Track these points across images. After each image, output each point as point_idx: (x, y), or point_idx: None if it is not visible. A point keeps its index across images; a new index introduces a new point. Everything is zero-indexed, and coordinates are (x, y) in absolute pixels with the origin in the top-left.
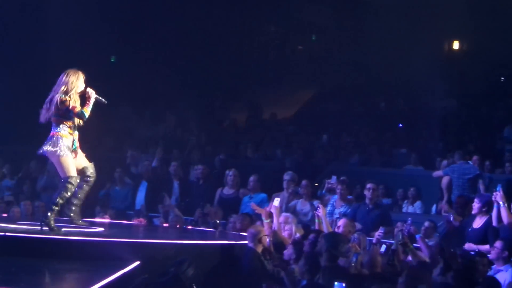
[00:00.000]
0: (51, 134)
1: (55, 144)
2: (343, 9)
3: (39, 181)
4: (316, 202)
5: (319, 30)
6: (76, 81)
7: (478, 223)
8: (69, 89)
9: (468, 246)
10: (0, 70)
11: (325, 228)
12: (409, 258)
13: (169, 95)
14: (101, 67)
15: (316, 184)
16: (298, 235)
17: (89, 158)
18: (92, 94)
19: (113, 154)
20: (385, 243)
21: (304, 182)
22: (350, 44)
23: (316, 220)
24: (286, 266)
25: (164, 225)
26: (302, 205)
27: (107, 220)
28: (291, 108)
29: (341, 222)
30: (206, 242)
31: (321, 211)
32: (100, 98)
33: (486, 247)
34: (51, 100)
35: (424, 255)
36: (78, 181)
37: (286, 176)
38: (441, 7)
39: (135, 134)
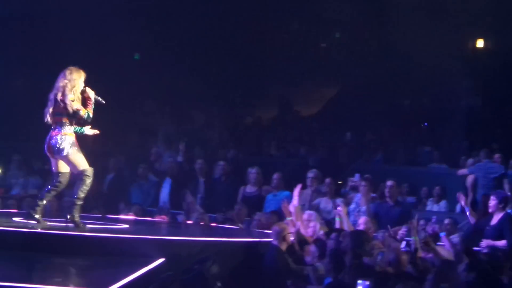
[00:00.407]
0: (54, 133)
1: (60, 145)
2: (367, 6)
3: None
4: (339, 200)
5: (342, 28)
6: (78, 79)
7: (495, 219)
8: (74, 88)
9: (485, 242)
10: (22, 68)
11: (346, 227)
12: (431, 256)
13: (193, 92)
14: (125, 64)
15: (340, 182)
16: (322, 233)
17: (113, 154)
18: (92, 94)
19: (137, 150)
20: (406, 241)
21: (327, 180)
22: (374, 42)
23: (337, 219)
24: (310, 263)
25: (188, 222)
26: (325, 203)
27: (131, 217)
28: (315, 105)
29: (362, 220)
30: (230, 239)
31: (342, 210)
32: (99, 98)
33: (503, 242)
34: (56, 98)
35: (448, 254)
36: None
37: (310, 174)
38: (466, 4)
39: (159, 130)
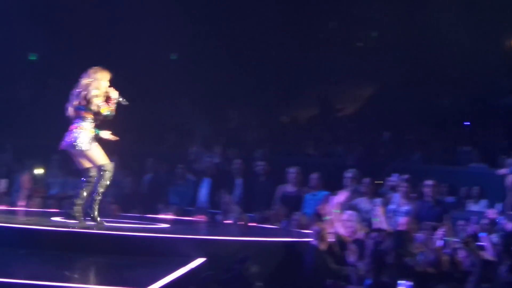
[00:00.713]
0: (72, 127)
1: (77, 139)
2: (404, 4)
3: None
4: (378, 200)
5: (379, 27)
6: (103, 79)
7: None
8: (99, 86)
9: None
10: (58, 69)
11: (385, 227)
12: (470, 256)
13: (230, 91)
14: (162, 64)
15: (378, 182)
16: (361, 233)
17: (151, 154)
18: (115, 94)
19: (174, 150)
20: (445, 241)
21: (366, 180)
22: (411, 41)
23: (375, 219)
24: (350, 264)
25: (227, 222)
26: (364, 203)
27: (170, 217)
28: (352, 105)
29: (403, 220)
30: (269, 239)
31: (379, 210)
32: (122, 99)
33: None
34: (79, 93)
35: (489, 254)
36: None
37: (348, 174)
38: (505, 1)
39: (196, 131)
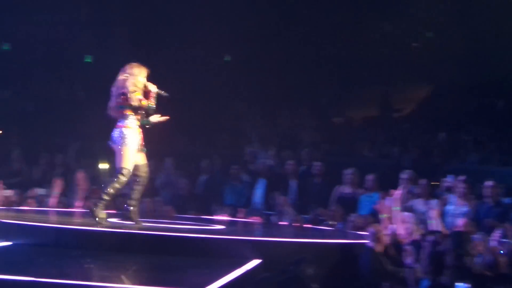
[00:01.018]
0: (117, 126)
1: (120, 135)
2: (459, 4)
3: (158, 179)
4: (433, 202)
5: (434, 27)
6: (139, 74)
7: None
8: (135, 82)
9: None
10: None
11: (440, 228)
12: None
13: (284, 92)
14: (215, 66)
15: (434, 183)
16: (417, 234)
17: (204, 155)
18: (153, 87)
19: (229, 151)
20: (504, 242)
21: (422, 181)
22: (466, 41)
23: (431, 221)
24: (407, 265)
25: (282, 223)
26: (420, 204)
27: (224, 218)
28: (407, 105)
29: (461, 222)
30: (325, 241)
31: (435, 212)
32: (161, 91)
33: None
34: (118, 92)
35: None
36: (129, 175)
37: (404, 175)
38: None
39: (251, 131)
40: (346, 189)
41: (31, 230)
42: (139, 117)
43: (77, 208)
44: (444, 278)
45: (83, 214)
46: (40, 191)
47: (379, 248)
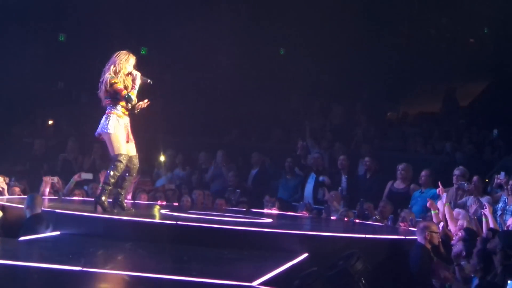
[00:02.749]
0: (106, 113)
1: (106, 122)
2: None
3: (209, 172)
4: (486, 199)
5: (491, 23)
6: (124, 62)
7: None
8: (117, 70)
9: None
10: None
11: (492, 226)
12: None
13: (337, 86)
14: (270, 59)
15: (487, 180)
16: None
17: (257, 149)
18: (137, 76)
19: (282, 145)
20: None
21: (475, 177)
22: None
23: (483, 219)
24: (455, 262)
25: (331, 218)
26: (472, 201)
27: (275, 211)
28: (462, 101)
29: (510, 221)
30: (375, 236)
31: (487, 210)
32: (146, 78)
33: None
34: (102, 81)
35: None
36: (126, 159)
37: (457, 171)
38: None
39: (303, 125)
40: (398, 185)
41: (80, 220)
42: (124, 104)
43: (127, 200)
44: (495, 276)
45: (134, 206)
46: (86, 175)
47: (429, 244)
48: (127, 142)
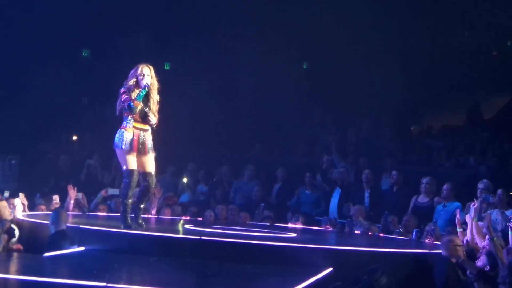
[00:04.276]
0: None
1: (116, 137)
2: None
3: (233, 186)
4: (510, 212)
5: None
6: (133, 73)
7: None
8: (129, 81)
9: None
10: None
11: None
12: None
13: (361, 100)
14: (293, 73)
15: (511, 193)
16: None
17: (281, 163)
18: (144, 81)
19: (305, 159)
20: None
21: (499, 190)
22: None
23: (510, 232)
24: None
25: (356, 232)
26: (497, 215)
27: (299, 226)
28: (486, 114)
29: None
30: (399, 250)
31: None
32: (144, 83)
33: None
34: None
35: None
36: (135, 175)
37: (481, 185)
38: None
39: (327, 140)
40: (422, 198)
41: (104, 235)
42: (136, 118)
43: (152, 215)
44: None
45: (155, 220)
46: (112, 190)
47: (454, 258)
48: (142, 154)
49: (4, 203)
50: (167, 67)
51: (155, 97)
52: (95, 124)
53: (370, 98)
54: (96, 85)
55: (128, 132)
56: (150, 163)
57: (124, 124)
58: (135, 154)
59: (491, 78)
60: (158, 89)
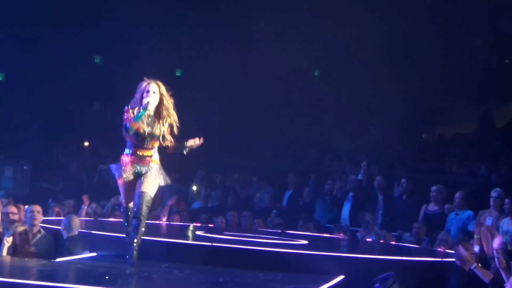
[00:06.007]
0: None
1: (113, 168)
2: None
3: (243, 193)
4: None
5: None
6: (139, 88)
7: None
8: (135, 101)
9: None
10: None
11: None
12: None
13: (372, 108)
14: (304, 81)
15: None
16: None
17: (292, 170)
18: (145, 102)
19: (316, 166)
20: None
21: (507, 200)
22: None
23: None
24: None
25: (368, 240)
26: (508, 224)
27: (310, 233)
28: (498, 122)
29: None
30: (411, 258)
31: None
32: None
33: None
34: None
35: None
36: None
37: (494, 193)
38: None
39: (338, 147)
40: (433, 206)
41: (116, 241)
42: (133, 141)
43: (163, 221)
44: None
45: (170, 227)
46: None
47: (467, 267)
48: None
49: (38, 207)
50: (178, 74)
51: (166, 117)
52: (106, 130)
53: (381, 106)
54: (108, 91)
55: (124, 158)
56: (144, 184)
57: (124, 150)
58: (129, 184)
59: (503, 86)
60: (172, 104)
